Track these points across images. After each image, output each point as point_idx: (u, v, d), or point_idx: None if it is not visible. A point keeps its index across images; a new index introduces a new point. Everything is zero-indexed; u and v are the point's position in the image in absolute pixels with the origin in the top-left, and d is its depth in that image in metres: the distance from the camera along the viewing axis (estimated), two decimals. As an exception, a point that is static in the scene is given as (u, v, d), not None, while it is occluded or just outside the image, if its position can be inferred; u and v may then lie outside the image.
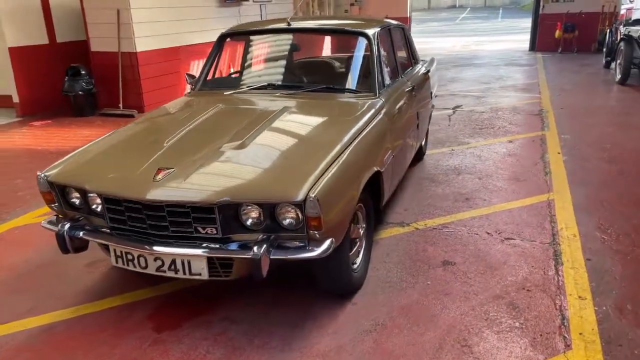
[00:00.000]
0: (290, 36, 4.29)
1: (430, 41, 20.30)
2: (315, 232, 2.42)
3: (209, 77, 4.11)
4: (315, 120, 3.32)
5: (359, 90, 3.71)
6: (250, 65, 4.08)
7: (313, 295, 3.05)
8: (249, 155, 2.77)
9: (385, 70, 3.95)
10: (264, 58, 4.15)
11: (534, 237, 3.78)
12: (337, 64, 4.29)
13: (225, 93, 3.77)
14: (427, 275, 3.30)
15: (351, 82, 3.88)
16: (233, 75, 4.48)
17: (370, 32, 3.89)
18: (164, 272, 2.56)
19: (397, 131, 3.71)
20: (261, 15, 11.81)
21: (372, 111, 3.40)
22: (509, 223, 4.02)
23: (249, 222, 2.49)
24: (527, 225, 3.98)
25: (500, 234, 3.85)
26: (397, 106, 3.83)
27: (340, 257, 2.70)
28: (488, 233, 3.86)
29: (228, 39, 4.11)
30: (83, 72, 8.31)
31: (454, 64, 13.37)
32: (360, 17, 13.55)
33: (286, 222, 2.47)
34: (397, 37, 4.54)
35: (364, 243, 3.14)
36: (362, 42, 3.94)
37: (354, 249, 3.01)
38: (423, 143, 5.47)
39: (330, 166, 2.61)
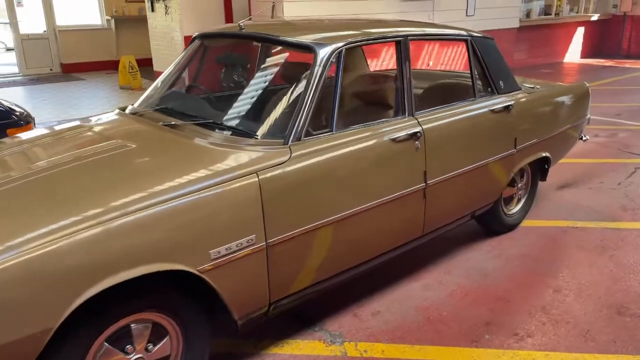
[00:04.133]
0: (232, 44, 3.11)
1: None
2: None
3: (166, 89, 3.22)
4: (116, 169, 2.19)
5: (247, 133, 2.41)
6: (174, 79, 3.04)
7: None
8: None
9: (335, 104, 2.50)
10: (194, 70, 3.07)
11: None
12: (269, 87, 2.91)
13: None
14: None
15: (250, 119, 2.58)
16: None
17: (324, 48, 2.50)
18: None
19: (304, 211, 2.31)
20: (467, 10, 10.09)
21: (240, 172, 2.12)
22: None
23: None
24: None
25: None
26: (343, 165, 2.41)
27: None
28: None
29: (200, 41, 3.11)
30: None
31: None
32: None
33: None
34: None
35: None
36: (299, 65, 2.58)
37: None
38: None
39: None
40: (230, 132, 2.44)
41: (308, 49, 2.54)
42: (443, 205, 3.05)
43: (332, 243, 2.49)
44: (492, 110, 3.23)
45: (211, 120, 2.50)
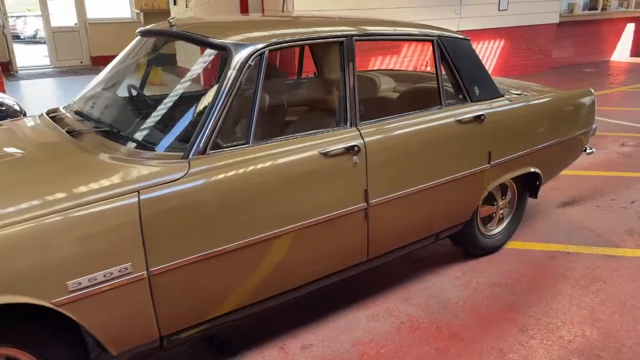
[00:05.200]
0: (158, 42, 2.84)
1: None
2: None
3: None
4: None
5: (146, 145, 2.15)
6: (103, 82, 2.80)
7: None
8: None
9: (254, 114, 2.22)
10: (120, 71, 2.81)
11: None
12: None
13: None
14: None
15: (158, 128, 2.31)
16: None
17: (241, 49, 2.22)
18: None
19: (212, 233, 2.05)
20: (499, 3, 9.50)
21: (117, 190, 1.88)
22: None
23: None
24: None
25: None
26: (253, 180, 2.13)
27: None
28: None
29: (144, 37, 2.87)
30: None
31: None
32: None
33: None
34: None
35: None
36: (212, 64, 2.30)
37: None
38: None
39: None
40: (134, 144, 2.19)
41: (223, 49, 2.26)
42: (393, 227, 2.71)
43: (242, 270, 2.21)
44: (459, 121, 2.85)
45: (114, 129, 2.26)
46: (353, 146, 2.43)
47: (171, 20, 2.62)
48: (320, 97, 2.99)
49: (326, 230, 2.42)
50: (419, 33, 2.85)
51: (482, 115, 2.93)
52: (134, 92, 2.60)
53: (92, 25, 11.62)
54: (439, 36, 2.88)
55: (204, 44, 2.37)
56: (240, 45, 2.23)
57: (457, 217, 3.04)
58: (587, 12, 11.51)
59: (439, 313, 2.82)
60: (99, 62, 11.71)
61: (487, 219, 3.36)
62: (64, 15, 12.02)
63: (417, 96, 3.09)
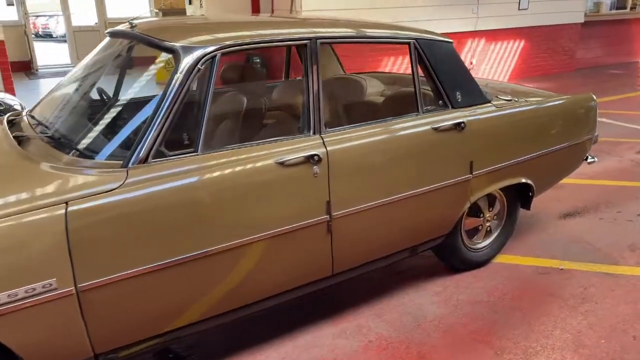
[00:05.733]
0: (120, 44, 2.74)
1: None
2: None
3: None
4: None
5: (90, 153, 2.05)
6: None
7: None
8: None
9: (203, 120, 2.10)
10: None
11: None
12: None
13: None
14: None
15: (103, 135, 2.21)
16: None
17: (190, 52, 2.11)
18: None
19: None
20: (519, 3, 9.18)
21: (44, 202, 1.79)
22: None
23: None
24: None
25: None
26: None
27: None
28: None
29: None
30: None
31: None
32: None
33: None
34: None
35: None
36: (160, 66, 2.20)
37: None
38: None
39: None
40: (76, 152, 2.10)
41: (172, 52, 2.15)
42: (361, 241, 2.56)
43: (189, 286, 2.10)
44: (436, 129, 2.68)
45: (60, 136, 2.18)
46: (313, 155, 2.29)
47: (132, 22, 2.53)
48: (285, 103, 2.86)
49: (285, 243, 2.30)
50: (392, 35, 2.69)
51: (462, 123, 2.75)
52: (99, 96, 2.52)
53: (112, 24, 11.65)
54: (416, 39, 2.71)
55: (155, 47, 2.27)
56: (189, 48, 2.12)
57: (436, 230, 2.87)
58: (614, 11, 11.06)
59: (411, 332, 2.67)
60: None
61: (473, 232, 3.17)
62: (84, 15, 12.17)
63: (398, 102, 2.93)
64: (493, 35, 9.11)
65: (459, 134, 2.76)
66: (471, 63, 9.04)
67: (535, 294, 2.97)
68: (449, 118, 2.75)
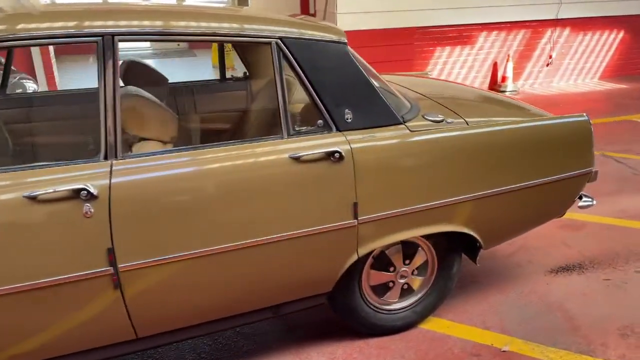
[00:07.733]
0: None
1: None
2: None
3: None
4: None
5: None
6: None
7: None
8: None
9: None
10: None
11: None
12: None
13: None
14: None
15: None
16: None
17: None
18: None
19: None
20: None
21: None
22: None
23: None
24: None
25: None
26: None
27: None
28: None
29: None
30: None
31: None
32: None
33: None
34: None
35: None
36: None
37: None
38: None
39: None
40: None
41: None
42: (173, 300, 1.99)
43: None
44: (297, 158, 2.01)
45: None
46: (81, 190, 1.75)
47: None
48: (69, 118, 2.32)
49: (47, 300, 1.80)
50: (236, 33, 2.03)
51: (337, 152, 2.04)
52: None
53: (188, 9, 11.81)
54: (281, 37, 2.04)
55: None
56: None
57: (308, 287, 2.20)
58: None
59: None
60: (194, 45, 11.93)
61: (382, 289, 2.44)
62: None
63: (260, 119, 2.28)
64: (581, 24, 7.73)
65: (334, 165, 2.06)
66: (550, 57, 7.77)
67: (443, 387, 2.20)
68: (320, 145, 2.05)
